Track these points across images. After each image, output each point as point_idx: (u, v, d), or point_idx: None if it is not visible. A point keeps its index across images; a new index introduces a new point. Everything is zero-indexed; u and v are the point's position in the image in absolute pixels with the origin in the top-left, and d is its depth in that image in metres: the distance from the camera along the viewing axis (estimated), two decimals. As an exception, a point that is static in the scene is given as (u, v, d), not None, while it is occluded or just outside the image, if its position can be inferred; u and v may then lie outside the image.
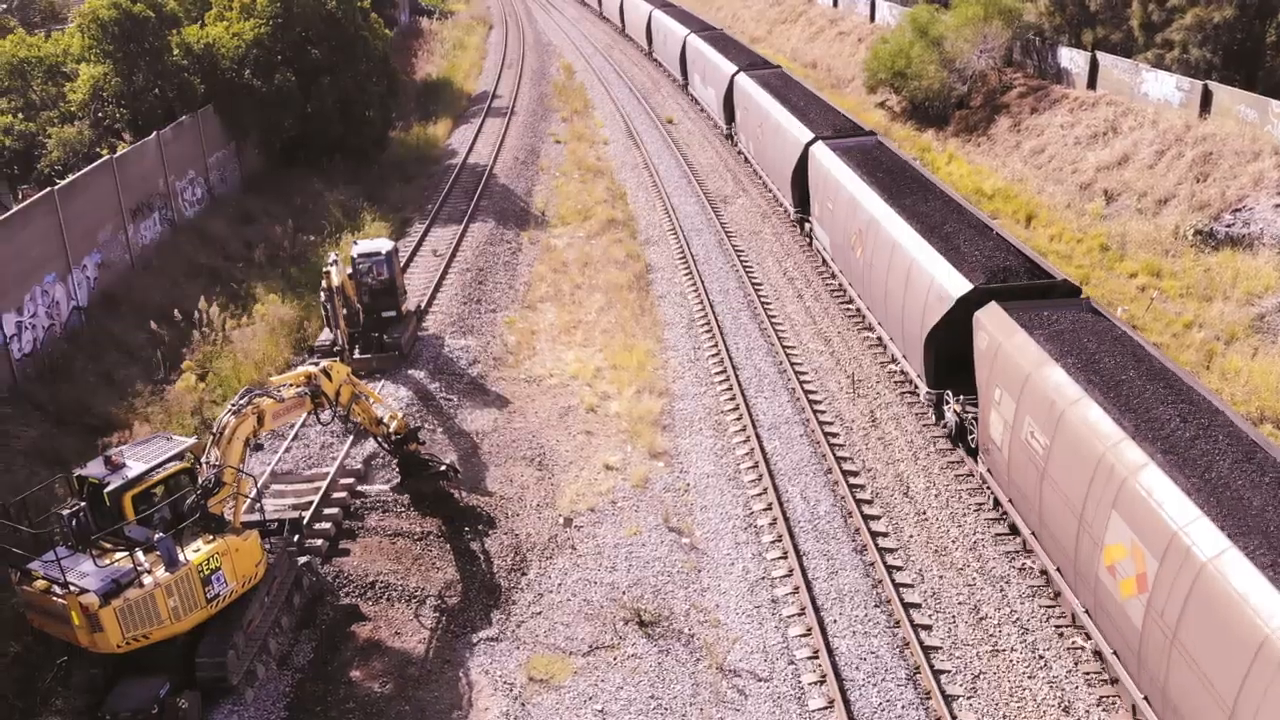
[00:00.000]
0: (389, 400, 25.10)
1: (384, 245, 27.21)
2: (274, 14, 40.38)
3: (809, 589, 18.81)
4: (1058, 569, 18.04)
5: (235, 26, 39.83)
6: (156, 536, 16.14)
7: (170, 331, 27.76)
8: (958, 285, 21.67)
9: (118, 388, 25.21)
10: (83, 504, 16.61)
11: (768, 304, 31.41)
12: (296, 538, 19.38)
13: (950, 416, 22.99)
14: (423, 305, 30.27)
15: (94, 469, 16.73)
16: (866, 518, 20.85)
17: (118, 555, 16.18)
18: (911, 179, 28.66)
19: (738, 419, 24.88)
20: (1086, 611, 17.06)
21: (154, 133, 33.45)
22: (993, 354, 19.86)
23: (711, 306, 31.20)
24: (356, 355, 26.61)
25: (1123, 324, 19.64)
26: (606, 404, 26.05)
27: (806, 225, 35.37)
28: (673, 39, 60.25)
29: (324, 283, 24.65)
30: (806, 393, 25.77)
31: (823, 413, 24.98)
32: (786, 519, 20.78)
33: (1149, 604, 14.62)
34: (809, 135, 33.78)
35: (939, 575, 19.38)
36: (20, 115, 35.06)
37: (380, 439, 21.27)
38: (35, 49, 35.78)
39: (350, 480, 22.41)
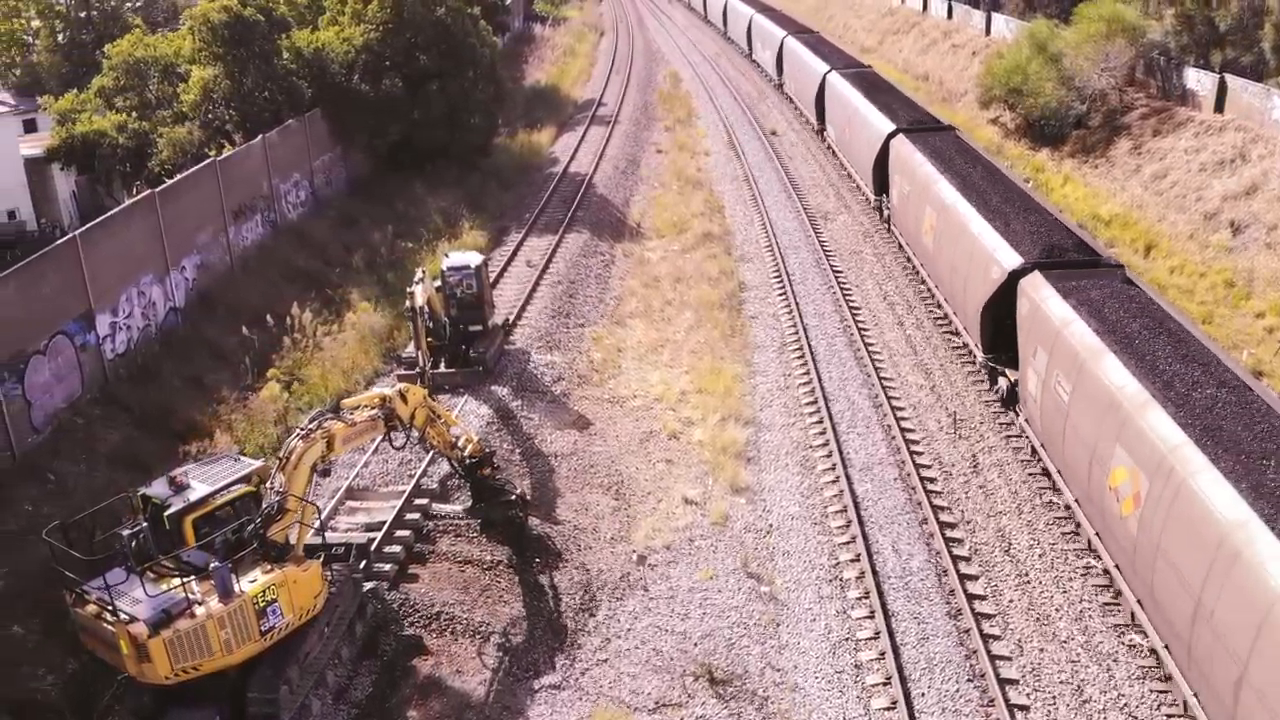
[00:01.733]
0: (470, 418, 24.00)
1: (473, 259, 26.14)
2: (385, 20, 39.85)
3: (896, 655, 16.96)
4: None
5: (346, 31, 39.38)
6: (212, 565, 15.17)
7: (262, 336, 27.16)
8: (886, 125, 35.94)
9: (205, 392, 24.63)
10: (144, 524, 15.78)
11: (865, 330, 29.43)
12: (363, 564, 18.32)
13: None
14: (510, 319, 29.11)
15: (157, 489, 15.87)
16: (963, 577, 18.87)
17: (175, 580, 15.27)
18: (885, 88, 43.32)
19: (827, 456, 23.05)
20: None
21: (259, 135, 33.07)
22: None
23: (805, 330, 29.37)
24: (441, 369, 25.56)
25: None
26: (689, 431, 24.49)
27: (825, 132, 48.69)
28: (740, 18, 76.61)
29: (407, 302, 23.59)
30: (903, 431, 23.79)
31: (920, 454, 22.98)
32: (875, 573, 18.92)
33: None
34: (826, 68, 48.08)
35: (1040, 648, 17.33)
36: (134, 114, 35.05)
37: (454, 462, 20.10)
38: (152, 49, 35.75)
39: (425, 501, 21.29)
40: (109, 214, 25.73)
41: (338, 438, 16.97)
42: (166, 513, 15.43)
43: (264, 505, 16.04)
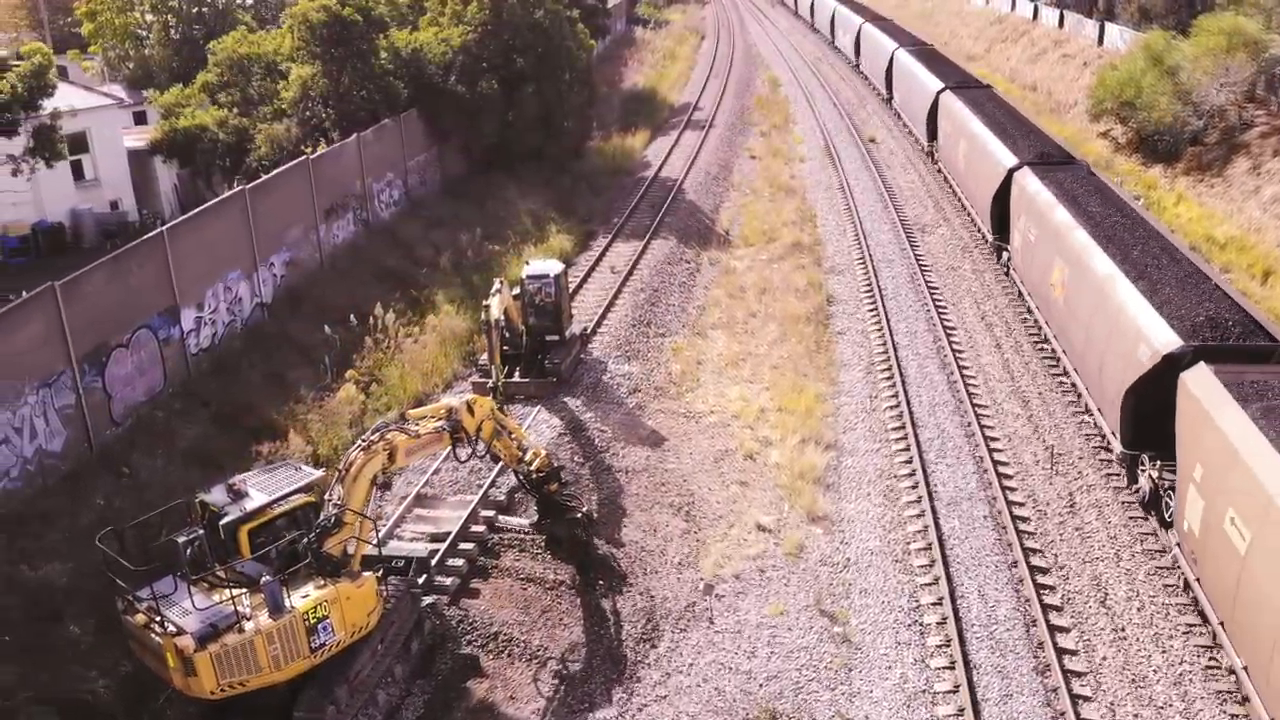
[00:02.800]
0: (541, 429, 23.16)
1: (553, 267, 25.29)
2: (483, 21, 39.39)
3: (976, 713, 15.50)
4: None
5: (444, 32, 39.03)
6: (264, 579, 14.56)
7: (345, 335, 26.78)
8: (935, 84, 44.06)
9: (285, 390, 24.27)
10: (201, 531, 15.27)
11: (960, 352, 27.73)
12: (423, 578, 17.59)
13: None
14: (589, 328, 28.11)
15: (216, 496, 15.37)
16: (1053, 629, 17.26)
17: (227, 592, 14.71)
18: (941, 60, 51.27)
19: (912, 487, 21.56)
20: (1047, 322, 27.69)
21: (354, 135, 32.84)
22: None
23: (895, 349, 27.80)
24: (516, 378, 24.78)
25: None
26: (767, 451, 23.25)
27: (893, 100, 56.02)
28: (824, 8, 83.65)
29: (483, 315, 22.65)
30: (996, 463, 22.15)
31: (1013, 490, 21.32)
32: (959, 620, 17.44)
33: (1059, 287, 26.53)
34: (894, 45, 55.66)
35: (1134, 714, 15.68)
36: (235, 110, 35.16)
37: (520, 476, 19.22)
38: (255, 46, 35.83)
39: (492, 513, 20.49)
40: (198, 210, 25.60)
41: (400, 450, 16.24)
42: (221, 522, 14.91)
43: (321, 518, 15.43)
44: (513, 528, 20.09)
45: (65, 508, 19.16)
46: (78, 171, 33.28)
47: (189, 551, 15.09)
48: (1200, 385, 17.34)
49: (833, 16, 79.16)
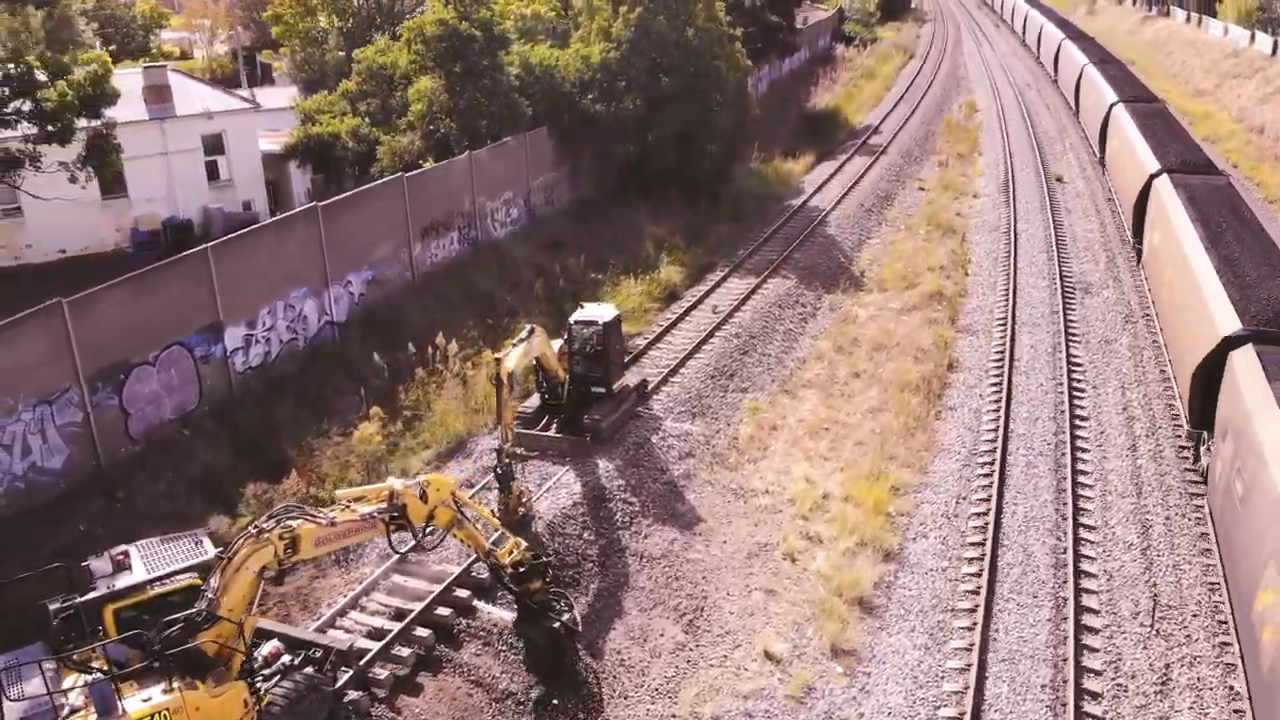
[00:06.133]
0: (559, 494, 19.91)
1: (605, 313, 21.92)
2: (628, 38, 36.42)
3: None
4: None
5: (585, 49, 36.33)
6: (93, 678, 12.20)
7: (402, 362, 24.53)
8: (1150, 163, 31.63)
9: (319, 419, 22.24)
10: (76, 601, 13.10)
11: (1083, 451, 22.28)
12: (341, 676, 14.81)
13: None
14: (650, 380, 24.43)
15: (99, 564, 13.24)
16: None
17: (82, 678, 12.49)
18: (1144, 96, 43.12)
19: (968, 629, 16.82)
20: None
21: (466, 152, 30.72)
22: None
23: (1005, 440, 22.68)
24: (552, 433, 21.63)
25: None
26: (812, 551, 19.03)
27: (1105, 162, 43.33)
28: (1051, 40, 71.02)
29: (495, 370, 18.44)
30: (1080, 609, 17.02)
31: (1093, 651, 16.18)
32: (960, 840, 12.94)
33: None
34: (1114, 98, 42.27)
35: None
36: (368, 120, 33.82)
37: (492, 569, 15.96)
38: (393, 55, 34.36)
39: (468, 594, 17.44)
40: (255, 226, 24.04)
41: (305, 539, 13.33)
42: (82, 598, 12.71)
43: (195, 608, 12.87)
44: (485, 616, 16.98)
45: (43, 531, 17.74)
46: (212, 172, 32.92)
47: (55, 622, 13.00)
48: None
49: (1057, 51, 64.05)
